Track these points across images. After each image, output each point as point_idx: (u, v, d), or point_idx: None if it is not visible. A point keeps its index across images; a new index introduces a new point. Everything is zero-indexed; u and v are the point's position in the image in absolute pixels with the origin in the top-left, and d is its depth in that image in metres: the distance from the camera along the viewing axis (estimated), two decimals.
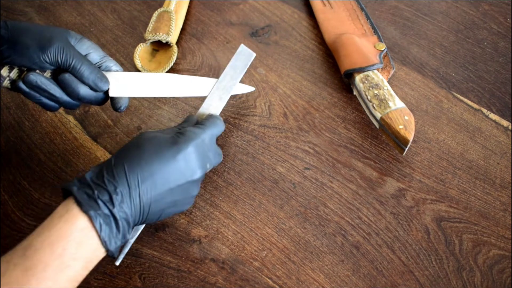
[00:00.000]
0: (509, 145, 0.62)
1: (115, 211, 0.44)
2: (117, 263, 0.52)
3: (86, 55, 0.55)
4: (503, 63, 0.70)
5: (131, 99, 0.68)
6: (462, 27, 0.74)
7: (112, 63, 0.57)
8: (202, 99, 0.68)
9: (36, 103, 0.55)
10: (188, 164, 0.49)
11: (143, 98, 0.68)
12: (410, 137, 0.57)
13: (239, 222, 0.57)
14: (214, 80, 0.60)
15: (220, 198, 0.59)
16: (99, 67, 0.56)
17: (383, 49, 0.68)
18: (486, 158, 0.61)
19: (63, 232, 0.43)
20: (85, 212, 0.43)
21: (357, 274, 0.53)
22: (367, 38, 0.70)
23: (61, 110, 0.67)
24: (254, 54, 0.60)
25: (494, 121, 0.64)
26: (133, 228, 0.47)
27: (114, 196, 0.45)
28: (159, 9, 0.74)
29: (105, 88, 0.55)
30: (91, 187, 0.45)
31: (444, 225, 0.56)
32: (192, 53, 0.73)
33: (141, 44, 0.72)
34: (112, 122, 0.66)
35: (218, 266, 0.54)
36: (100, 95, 0.56)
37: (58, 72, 0.54)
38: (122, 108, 0.57)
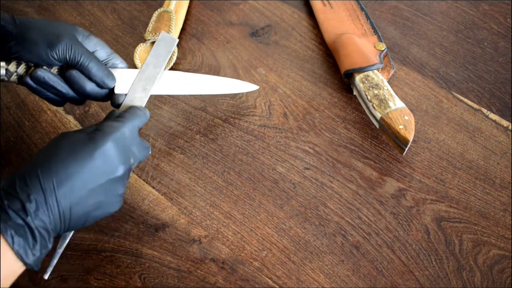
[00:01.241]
0: (509, 145, 0.62)
1: (29, 220, 0.41)
2: (45, 277, 0.48)
3: (93, 52, 0.55)
4: (503, 63, 0.70)
5: None
6: (462, 27, 0.74)
7: (118, 61, 0.57)
8: (200, 97, 0.68)
9: (42, 98, 0.55)
10: (107, 161, 0.45)
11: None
12: (410, 137, 0.57)
13: (239, 222, 0.57)
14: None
15: (220, 198, 0.59)
16: (105, 64, 0.56)
17: (383, 49, 0.68)
18: (486, 158, 0.61)
19: None
20: None
21: (357, 274, 0.53)
22: (367, 38, 0.70)
23: (61, 110, 0.67)
24: (177, 40, 0.58)
25: (494, 121, 0.64)
26: (58, 236, 0.45)
27: (27, 204, 0.41)
28: (159, 9, 0.74)
29: (112, 85, 0.55)
30: (0, 197, 0.41)
31: (444, 225, 0.56)
32: (192, 53, 0.73)
33: (141, 44, 0.72)
34: None
35: (218, 266, 0.54)
36: (105, 91, 0.56)
37: (65, 69, 0.54)
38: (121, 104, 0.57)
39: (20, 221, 0.41)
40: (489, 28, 0.74)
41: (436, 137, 0.63)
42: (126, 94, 0.55)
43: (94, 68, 0.53)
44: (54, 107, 0.68)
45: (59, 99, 0.56)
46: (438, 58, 0.71)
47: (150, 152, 0.51)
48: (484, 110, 0.65)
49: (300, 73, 0.70)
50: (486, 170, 0.60)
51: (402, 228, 0.56)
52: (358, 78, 0.64)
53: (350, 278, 0.53)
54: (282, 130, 0.64)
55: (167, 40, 0.57)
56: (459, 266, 0.53)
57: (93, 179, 0.45)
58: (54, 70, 0.54)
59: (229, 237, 0.56)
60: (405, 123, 0.58)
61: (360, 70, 0.64)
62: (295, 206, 0.58)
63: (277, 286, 0.53)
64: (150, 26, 0.72)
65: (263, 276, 0.53)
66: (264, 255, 0.55)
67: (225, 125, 0.65)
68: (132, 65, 0.72)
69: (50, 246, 0.43)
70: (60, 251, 0.49)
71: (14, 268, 0.41)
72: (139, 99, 0.55)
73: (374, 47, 0.68)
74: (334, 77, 0.70)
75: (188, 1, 0.78)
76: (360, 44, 0.68)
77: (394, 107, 0.60)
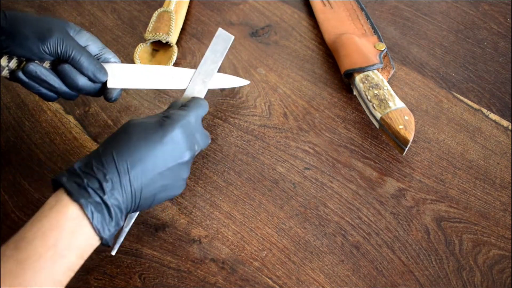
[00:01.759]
0: (509, 145, 0.62)
1: (106, 198, 0.44)
2: (113, 253, 0.52)
3: (85, 46, 0.55)
4: (503, 63, 0.70)
5: (131, 99, 0.68)
6: (462, 27, 0.74)
7: (110, 55, 0.57)
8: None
9: (34, 93, 0.55)
10: (176, 146, 0.49)
11: (143, 98, 0.68)
12: (410, 137, 0.57)
13: (239, 222, 0.57)
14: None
15: (220, 198, 0.59)
16: (97, 59, 0.56)
17: (383, 49, 0.68)
18: (486, 158, 0.61)
19: (55, 222, 0.42)
20: (76, 201, 0.43)
21: (357, 274, 0.53)
22: (367, 38, 0.70)
23: (61, 110, 0.67)
24: (233, 37, 0.60)
25: (494, 121, 0.64)
26: (126, 215, 0.47)
27: (104, 183, 0.44)
28: (159, 9, 0.74)
29: (103, 80, 0.56)
30: (80, 176, 0.44)
31: (444, 225, 0.56)
32: (192, 53, 0.73)
33: (141, 44, 0.72)
34: (112, 122, 0.66)
35: (218, 266, 0.54)
36: (98, 86, 0.56)
37: (57, 63, 0.54)
38: (113, 99, 0.58)
39: (98, 199, 0.44)
40: (489, 28, 0.74)
41: (436, 137, 0.63)
42: (186, 87, 0.59)
43: (85, 62, 0.54)
44: (54, 107, 0.68)
45: (52, 94, 0.56)
46: (438, 58, 0.71)
47: (210, 141, 0.55)
48: (484, 110, 0.65)
49: (300, 73, 0.70)
50: (486, 170, 0.60)
51: (402, 228, 0.56)
52: (358, 78, 0.64)
53: (350, 278, 0.53)
54: (282, 130, 0.64)
55: (223, 37, 0.60)
56: (459, 266, 0.53)
57: (163, 163, 0.48)
58: (46, 64, 0.54)
59: (229, 237, 0.56)
60: (405, 123, 0.58)
61: (360, 70, 0.64)
62: (295, 206, 0.58)
63: (277, 286, 0.53)
64: (150, 26, 0.72)
65: (263, 276, 0.53)
66: (264, 255, 0.55)
67: (225, 125, 0.65)
68: None
69: (122, 223, 0.46)
70: (126, 230, 0.53)
71: (91, 241, 0.44)
72: (198, 92, 0.58)
73: (374, 47, 0.68)
74: (334, 77, 0.70)
75: (188, 1, 0.78)
76: (360, 44, 0.68)
77: (394, 107, 0.60)
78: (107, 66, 0.56)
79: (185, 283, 0.53)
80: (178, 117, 0.51)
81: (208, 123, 0.65)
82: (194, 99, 0.56)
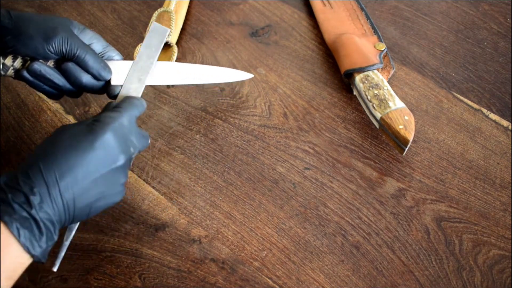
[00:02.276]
0: (509, 145, 0.62)
1: (34, 212, 0.41)
2: (54, 269, 0.49)
3: (89, 45, 0.55)
4: (503, 63, 0.70)
5: None
6: (462, 27, 0.74)
7: (114, 53, 0.57)
8: (200, 97, 0.68)
9: (39, 91, 0.55)
10: (108, 151, 0.46)
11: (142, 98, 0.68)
12: (410, 137, 0.57)
13: (239, 222, 0.57)
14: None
15: (220, 198, 0.59)
16: (101, 57, 0.56)
17: (383, 49, 0.68)
18: (486, 158, 0.61)
19: None
20: None
21: (357, 274, 0.53)
22: (367, 38, 0.70)
23: (61, 110, 0.67)
24: (168, 30, 0.58)
25: (494, 121, 0.64)
26: (62, 228, 0.45)
27: (31, 197, 0.41)
28: (159, 9, 0.74)
29: (108, 77, 0.55)
30: (4, 191, 0.42)
31: (444, 225, 0.56)
32: (192, 53, 0.73)
33: (141, 44, 0.72)
34: None
35: (218, 266, 0.54)
36: (102, 83, 0.56)
37: (61, 61, 0.54)
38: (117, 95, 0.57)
39: (25, 214, 0.41)
40: (489, 28, 0.74)
41: (436, 137, 0.63)
42: (121, 86, 0.55)
43: (90, 61, 0.54)
44: (54, 107, 0.68)
45: (56, 92, 0.56)
46: (438, 58, 0.71)
47: (149, 142, 0.52)
48: (484, 110, 0.65)
49: (300, 73, 0.70)
50: (486, 170, 0.60)
51: (402, 228, 0.56)
52: (358, 78, 0.64)
53: (350, 278, 0.53)
54: (282, 130, 0.64)
55: (158, 30, 0.57)
56: (459, 266, 0.53)
57: (95, 170, 0.45)
58: (51, 63, 0.54)
59: (229, 237, 0.56)
60: (405, 123, 0.58)
61: (360, 70, 0.64)
62: (295, 206, 0.58)
63: (277, 286, 0.53)
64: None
65: (263, 276, 0.53)
66: (264, 255, 0.55)
67: (225, 125, 0.65)
68: None
69: (55, 238, 0.43)
70: (67, 243, 0.50)
71: (21, 260, 0.41)
72: (135, 90, 0.55)
73: (374, 47, 0.68)
74: (334, 77, 0.70)
75: (188, 1, 0.78)
76: (360, 44, 0.68)
77: (394, 107, 0.60)
78: (110, 64, 0.56)
79: (185, 283, 0.53)
80: (109, 120, 0.47)
81: (208, 123, 0.65)
82: (127, 98, 0.53)
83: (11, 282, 0.41)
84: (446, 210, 0.57)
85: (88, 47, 0.54)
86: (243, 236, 0.56)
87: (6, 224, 0.40)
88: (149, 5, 0.79)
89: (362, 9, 0.75)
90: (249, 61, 0.72)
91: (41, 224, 0.42)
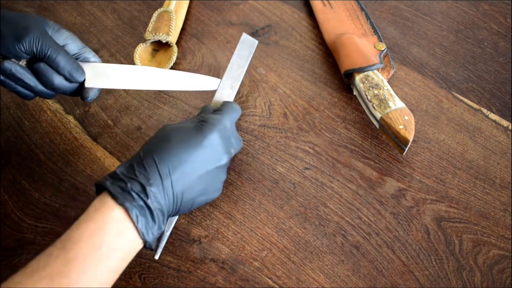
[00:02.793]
0: (509, 145, 0.62)
1: (149, 202, 0.45)
2: (156, 257, 0.53)
3: (63, 45, 0.55)
4: (503, 63, 0.70)
5: (131, 99, 0.68)
6: (462, 27, 0.74)
7: (90, 54, 0.57)
8: (200, 97, 0.68)
9: (11, 91, 0.55)
10: (214, 150, 0.50)
11: (143, 98, 0.68)
12: (410, 137, 0.57)
13: (239, 222, 0.57)
14: (173, 71, 0.59)
15: (220, 198, 0.59)
16: (76, 58, 0.56)
17: (383, 49, 0.68)
18: (486, 158, 0.61)
19: (100, 224, 0.43)
20: (121, 204, 0.44)
21: (357, 274, 0.53)
22: (367, 38, 0.70)
23: (61, 110, 0.67)
24: (257, 42, 0.62)
25: (494, 121, 0.64)
26: (167, 219, 0.48)
27: (147, 188, 0.45)
28: (159, 9, 0.74)
29: (80, 79, 0.55)
30: (123, 181, 0.45)
31: (444, 225, 0.56)
32: (192, 53, 0.73)
33: (141, 44, 0.72)
34: (112, 122, 0.66)
35: (218, 266, 0.54)
36: (74, 85, 0.56)
37: (34, 61, 0.54)
38: (89, 98, 0.57)
39: (141, 203, 0.45)
40: (489, 28, 0.74)
41: (436, 137, 0.63)
42: (215, 91, 0.59)
43: (62, 61, 0.53)
44: (54, 107, 0.68)
45: (28, 92, 0.55)
46: (438, 58, 0.71)
47: (242, 145, 0.56)
48: (484, 110, 0.65)
49: (300, 73, 0.70)
50: (486, 170, 0.60)
51: (402, 228, 0.56)
52: (358, 78, 0.64)
53: (350, 278, 0.53)
54: (282, 130, 0.64)
55: (248, 41, 0.61)
56: (459, 266, 0.53)
57: (202, 166, 0.49)
58: (23, 62, 0.54)
59: (229, 237, 0.56)
60: (405, 123, 0.58)
61: (360, 70, 0.64)
62: (295, 206, 0.58)
63: (277, 286, 0.53)
64: (150, 26, 0.72)
65: (263, 276, 0.53)
66: (264, 255, 0.55)
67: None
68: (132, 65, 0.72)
69: (163, 227, 0.47)
70: (167, 234, 0.54)
71: (135, 244, 0.45)
72: (227, 96, 0.59)
73: (374, 47, 0.68)
74: (334, 77, 0.70)
75: (188, 1, 0.78)
76: (360, 44, 0.68)
77: (394, 107, 0.60)
78: (86, 66, 0.56)
79: (185, 283, 0.53)
80: (215, 121, 0.51)
81: None
82: (227, 103, 0.56)
83: (125, 264, 0.45)
84: (446, 210, 0.57)
85: (60, 48, 0.54)
86: (243, 236, 0.56)
87: (127, 210, 0.44)
88: (149, 5, 0.79)
89: (362, 9, 0.75)
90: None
91: (155, 213, 0.45)
